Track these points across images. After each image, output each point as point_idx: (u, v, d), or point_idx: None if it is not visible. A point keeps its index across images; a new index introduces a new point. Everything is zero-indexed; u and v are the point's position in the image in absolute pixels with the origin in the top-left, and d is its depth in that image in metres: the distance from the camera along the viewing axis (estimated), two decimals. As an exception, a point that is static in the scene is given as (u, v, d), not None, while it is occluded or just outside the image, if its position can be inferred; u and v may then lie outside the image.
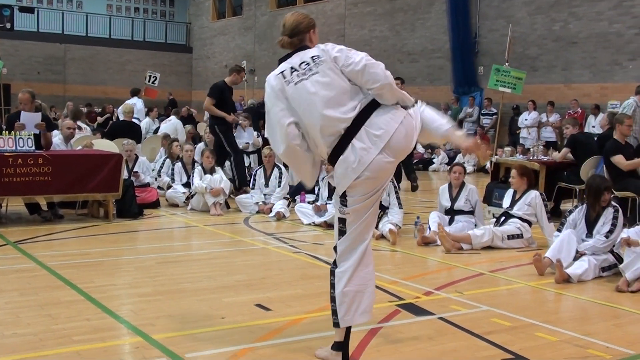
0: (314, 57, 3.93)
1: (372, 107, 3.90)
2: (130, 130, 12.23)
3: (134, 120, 14.83)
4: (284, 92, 3.91)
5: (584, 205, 6.91)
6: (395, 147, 3.88)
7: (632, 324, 5.23)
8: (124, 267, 6.53)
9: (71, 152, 9.27)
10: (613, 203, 6.83)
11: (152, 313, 4.99)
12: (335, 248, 4.03)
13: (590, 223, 6.73)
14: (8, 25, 30.12)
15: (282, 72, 3.95)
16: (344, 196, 3.96)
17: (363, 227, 4.01)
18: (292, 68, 3.94)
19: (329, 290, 4.04)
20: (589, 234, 6.69)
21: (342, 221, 4.01)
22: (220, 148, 11.03)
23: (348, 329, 4.06)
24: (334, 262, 4.03)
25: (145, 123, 15.77)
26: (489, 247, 7.74)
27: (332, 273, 4.02)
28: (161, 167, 11.19)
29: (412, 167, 13.13)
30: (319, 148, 3.93)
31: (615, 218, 6.61)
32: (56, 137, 9.70)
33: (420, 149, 18.82)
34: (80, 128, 11.99)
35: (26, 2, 31.73)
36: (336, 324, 4.01)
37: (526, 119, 18.17)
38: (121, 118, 16.37)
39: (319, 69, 3.89)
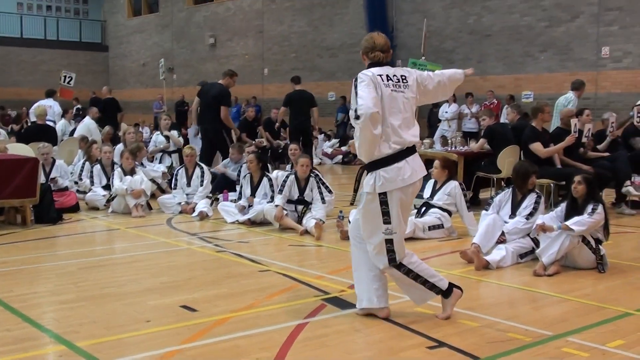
0: (403, 77, 4.77)
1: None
2: (46, 134, 11.92)
3: (48, 122, 14.45)
4: (378, 87, 4.61)
5: (511, 188, 7.24)
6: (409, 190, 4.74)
7: (550, 306, 5.45)
8: (44, 274, 6.36)
9: (-16, 157, 8.97)
10: (536, 190, 7.15)
11: (75, 320, 4.89)
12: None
13: (515, 205, 7.05)
14: None
15: (379, 75, 4.68)
16: (384, 196, 4.64)
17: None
18: (387, 76, 4.70)
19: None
20: (513, 215, 6.99)
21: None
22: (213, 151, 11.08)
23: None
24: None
25: (60, 125, 15.35)
26: (410, 238, 7.87)
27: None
28: (81, 171, 10.93)
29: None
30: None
31: (537, 203, 6.96)
32: (-32, 143, 9.39)
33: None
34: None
35: None
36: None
37: (446, 111, 18.50)
38: (32, 119, 15.92)
39: (405, 91, 4.73)
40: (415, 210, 8.50)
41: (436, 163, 8.45)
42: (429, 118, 19.68)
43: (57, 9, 34.34)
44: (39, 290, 5.81)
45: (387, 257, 4.74)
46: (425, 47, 12.59)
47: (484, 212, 7.20)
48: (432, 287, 4.86)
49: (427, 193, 8.38)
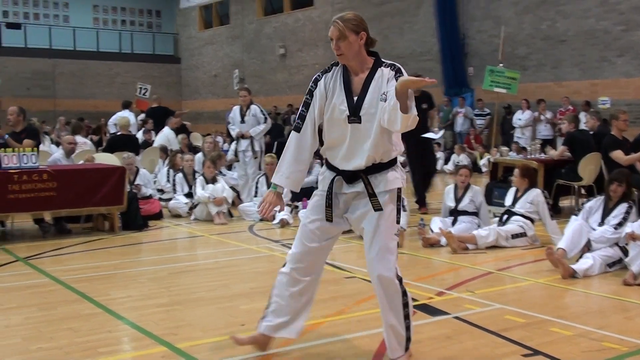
0: None
1: None
2: (130, 144, 12.30)
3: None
4: None
5: (603, 195, 7.14)
6: None
7: (643, 316, 5.35)
8: (137, 279, 6.58)
9: (75, 166, 9.32)
10: (630, 199, 7.03)
11: (172, 322, 5.05)
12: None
13: (605, 213, 6.95)
14: (-5, 42, 30.10)
15: None
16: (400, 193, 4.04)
17: None
18: None
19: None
20: (602, 223, 6.88)
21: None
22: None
23: None
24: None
25: (140, 135, 15.81)
26: (493, 246, 7.85)
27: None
28: (168, 178, 11.34)
29: None
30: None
31: (627, 212, 6.80)
32: (57, 152, 9.77)
33: None
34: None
35: (12, 18, 31.66)
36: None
37: (519, 118, 18.26)
38: (112, 130, 16.40)
39: None
40: (497, 219, 8.45)
41: (516, 172, 8.39)
42: (502, 125, 19.41)
43: (132, 23, 35.23)
44: (134, 294, 6.00)
45: (394, 263, 3.94)
46: (504, 53, 12.47)
47: (573, 217, 7.10)
48: (408, 340, 4.09)
49: (508, 201, 8.31)
